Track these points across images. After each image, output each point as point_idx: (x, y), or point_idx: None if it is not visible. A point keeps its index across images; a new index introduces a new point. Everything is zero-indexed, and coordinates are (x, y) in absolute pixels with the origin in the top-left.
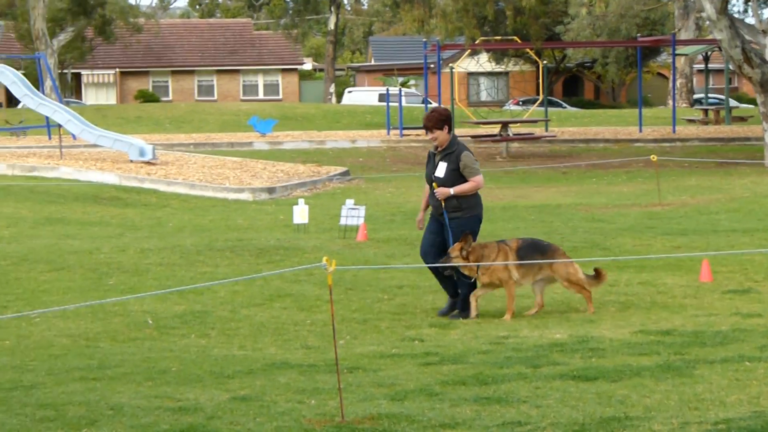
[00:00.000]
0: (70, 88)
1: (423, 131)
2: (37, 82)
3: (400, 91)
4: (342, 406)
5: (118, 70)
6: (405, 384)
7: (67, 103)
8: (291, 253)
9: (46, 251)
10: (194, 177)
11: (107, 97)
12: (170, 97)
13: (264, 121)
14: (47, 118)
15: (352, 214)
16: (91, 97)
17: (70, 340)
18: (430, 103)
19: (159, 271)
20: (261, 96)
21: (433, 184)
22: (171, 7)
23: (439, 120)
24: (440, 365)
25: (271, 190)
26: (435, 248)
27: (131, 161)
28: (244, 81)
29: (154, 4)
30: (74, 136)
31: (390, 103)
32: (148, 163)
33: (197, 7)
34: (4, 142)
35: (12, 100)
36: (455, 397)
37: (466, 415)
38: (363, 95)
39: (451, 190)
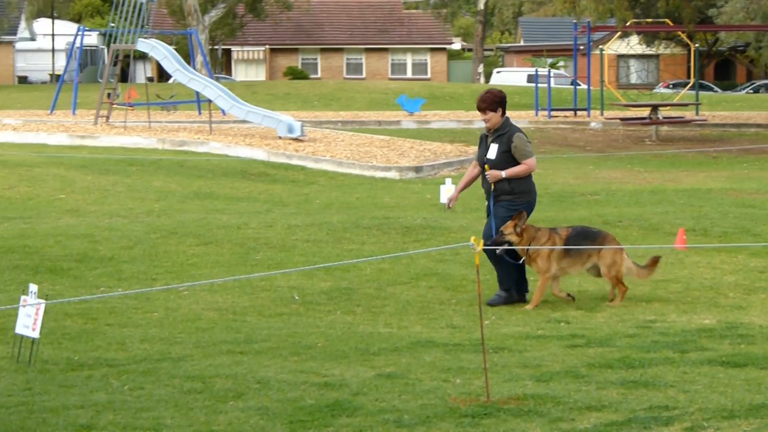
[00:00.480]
0: (221, 64)
1: (479, 113)
2: (188, 58)
3: (549, 72)
4: (488, 385)
5: (267, 46)
6: (550, 365)
7: (217, 79)
8: (437, 232)
9: (195, 225)
10: (342, 154)
11: (257, 74)
12: (319, 75)
13: (412, 100)
14: (197, 93)
15: None
16: (240, 73)
17: (218, 313)
18: (579, 85)
19: (306, 248)
20: (409, 75)
21: (485, 166)
22: None
23: (494, 101)
24: (586, 348)
25: (418, 169)
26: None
27: (279, 137)
28: (392, 60)
29: None
30: (224, 112)
31: (539, 85)
32: (296, 139)
33: None
34: (155, 117)
35: (163, 75)
36: (601, 380)
37: (612, 398)
38: (511, 76)
39: (503, 173)
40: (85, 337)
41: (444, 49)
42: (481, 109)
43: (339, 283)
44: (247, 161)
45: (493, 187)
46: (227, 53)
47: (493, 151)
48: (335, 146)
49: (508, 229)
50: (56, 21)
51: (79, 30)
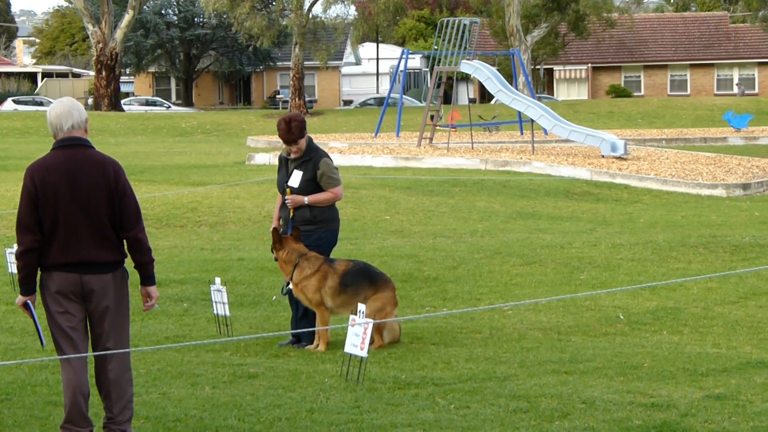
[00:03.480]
0: (542, 84)
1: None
2: (510, 78)
3: None
4: None
5: (590, 65)
6: None
7: (539, 99)
8: (767, 250)
9: (519, 245)
10: (666, 172)
11: (578, 93)
12: (642, 92)
13: (739, 116)
14: (519, 113)
15: None
16: (562, 92)
17: (542, 333)
18: None
19: (630, 267)
20: (736, 90)
21: (287, 191)
22: (645, 1)
23: (302, 128)
24: None
25: (745, 186)
26: None
27: (602, 156)
28: (718, 75)
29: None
30: (546, 132)
31: None
32: (619, 158)
33: (671, 1)
34: (477, 137)
35: (485, 96)
36: None
37: None
38: None
39: (306, 199)
40: (411, 356)
41: None
42: (292, 141)
43: (665, 303)
44: (570, 180)
45: (291, 214)
46: (549, 73)
47: (296, 179)
48: (659, 164)
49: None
50: (380, 45)
51: (403, 53)
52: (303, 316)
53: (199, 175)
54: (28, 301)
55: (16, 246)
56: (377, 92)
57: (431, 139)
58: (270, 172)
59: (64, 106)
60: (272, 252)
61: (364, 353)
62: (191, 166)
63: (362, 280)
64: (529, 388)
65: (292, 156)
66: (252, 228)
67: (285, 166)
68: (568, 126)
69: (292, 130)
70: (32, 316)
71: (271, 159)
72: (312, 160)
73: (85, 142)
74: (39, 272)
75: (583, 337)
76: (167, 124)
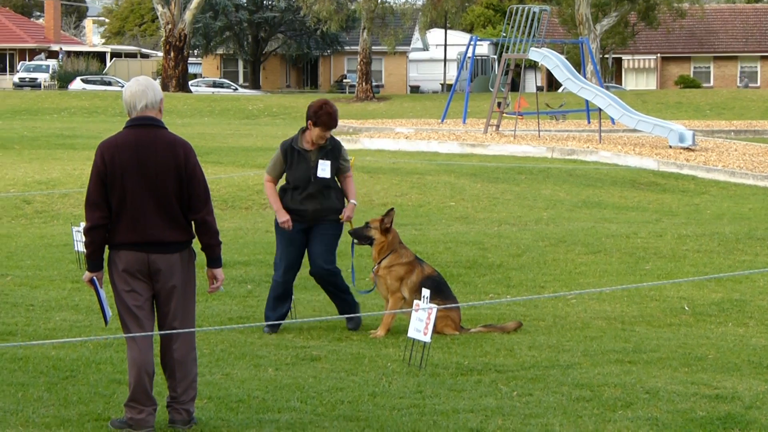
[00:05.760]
0: (611, 73)
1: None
2: (578, 67)
3: None
4: None
5: (659, 55)
6: None
7: (607, 88)
8: None
9: (584, 234)
10: (734, 164)
11: (647, 83)
12: (711, 83)
13: None
14: (587, 102)
15: None
16: (630, 82)
17: (606, 322)
18: None
19: (696, 258)
20: None
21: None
22: None
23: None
24: None
25: None
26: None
27: (670, 147)
28: None
29: None
30: (613, 121)
31: None
32: (687, 149)
33: None
34: (544, 125)
35: (552, 84)
36: None
37: None
38: None
39: (354, 203)
40: (473, 342)
41: None
42: (333, 127)
43: (731, 295)
44: (637, 170)
45: (321, 206)
46: (618, 62)
47: (326, 169)
48: (727, 156)
49: (375, 222)
50: (449, 31)
51: (471, 40)
52: (335, 298)
53: (265, 157)
54: (94, 278)
55: (83, 223)
56: (444, 79)
57: (498, 126)
58: None
59: (140, 85)
60: (364, 232)
61: (427, 338)
62: (257, 148)
63: (437, 292)
64: (592, 377)
65: (313, 146)
66: None
67: (304, 159)
68: (636, 116)
69: (335, 117)
70: (97, 293)
71: None
72: (333, 146)
73: (158, 122)
74: (107, 250)
75: (648, 328)
76: (234, 106)
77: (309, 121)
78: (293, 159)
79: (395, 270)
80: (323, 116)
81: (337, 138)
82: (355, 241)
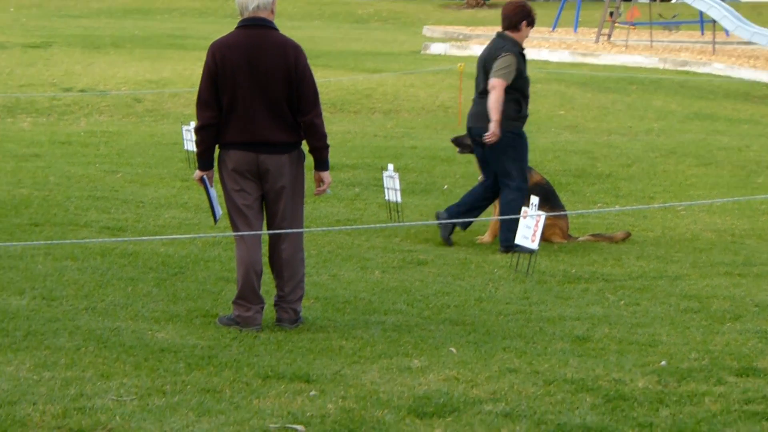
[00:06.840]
0: None
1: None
2: None
3: None
4: None
5: None
6: None
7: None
8: None
9: (694, 146)
10: None
11: None
12: None
13: None
14: (701, 13)
15: None
16: None
17: (715, 234)
18: None
19: None
20: None
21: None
22: None
23: None
24: None
25: None
26: None
27: None
28: None
29: None
30: (727, 33)
31: None
32: None
33: None
34: (656, 36)
35: None
36: None
37: None
38: None
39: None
40: (581, 251)
41: None
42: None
43: None
44: (751, 83)
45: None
46: None
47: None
48: None
49: None
50: None
51: None
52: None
53: (375, 62)
54: (205, 177)
55: (194, 123)
56: None
57: (610, 35)
58: (445, 62)
59: None
60: (466, 140)
61: (534, 246)
62: (366, 53)
63: (545, 200)
64: (700, 288)
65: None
66: (425, 117)
67: (526, 63)
68: (752, 28)
69: None
70: (207, 192)
71: (447, 49)
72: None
73: (269, 23)
74: (217, 150)
75: (758, 241)
76: (344, 10)
77: (523, 22)
78: (523, 65)
79: None
80: (531, 15)
81: (447, 45)
82: (458, 149)
